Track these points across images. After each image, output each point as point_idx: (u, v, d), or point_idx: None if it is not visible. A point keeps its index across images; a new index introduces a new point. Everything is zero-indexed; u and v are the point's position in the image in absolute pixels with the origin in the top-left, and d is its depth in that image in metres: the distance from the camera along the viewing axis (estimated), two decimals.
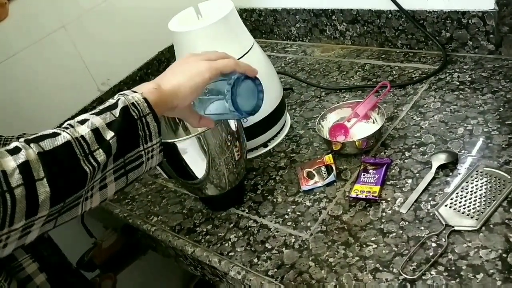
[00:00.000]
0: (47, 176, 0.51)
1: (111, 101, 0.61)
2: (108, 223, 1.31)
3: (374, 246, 0.73)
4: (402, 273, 0.67)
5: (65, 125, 0.57)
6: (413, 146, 0.88)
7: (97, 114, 0.58)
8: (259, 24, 1.47)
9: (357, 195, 0.81)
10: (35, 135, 0.55)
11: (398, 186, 0.81)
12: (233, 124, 0.81)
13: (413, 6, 1.09)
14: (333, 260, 0.73)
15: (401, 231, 0.73)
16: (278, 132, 1.03)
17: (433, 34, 1.10)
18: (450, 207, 0.74)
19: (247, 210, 0.88)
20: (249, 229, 0.84)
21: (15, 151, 0.51)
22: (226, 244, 0.83)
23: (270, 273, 0.75)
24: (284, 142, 1.02)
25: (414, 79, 1.06)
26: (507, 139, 0.82)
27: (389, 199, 0.79)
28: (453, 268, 0.65)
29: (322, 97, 1.12)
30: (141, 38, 1.31)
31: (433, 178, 0.79)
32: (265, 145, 1.02)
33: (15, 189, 0.49)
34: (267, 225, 0.84)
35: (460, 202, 0.74)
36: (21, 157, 0.51)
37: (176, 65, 0.69)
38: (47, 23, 1.14)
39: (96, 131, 0.56)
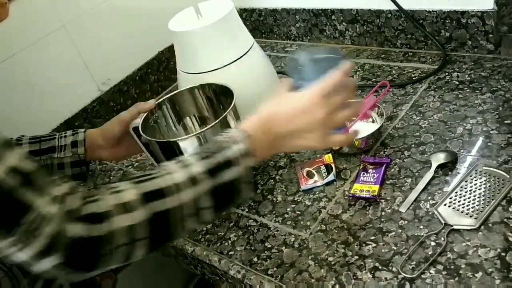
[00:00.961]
0: (150, 237, 0.54)
1: (228, 156, 0.59)
2: None
3: (374, 245, 0.73)
4: (401, 272, 0.67)
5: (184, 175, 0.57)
6: (413, 146, 0.88)
7: (211, 173, 0.58)
8: (259, 24, 1.47)
9: (357, 194, 0.81)
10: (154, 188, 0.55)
11: (397, 185, 0.81)
12: (233, 123, 0.82)
13: (413, 6, 1.10)
14: (333, 259, 0.73)
15: (400, 230, 0.73)
16: None
17: (432, 33, 1.10)
18: (449, 206, 0.74)
19: (247, 209, 0.88)
20: (249, 228, 0.84)
21: (128, 209, 0.52)
22: (226, 243, 0.83)
23: (269, 272, 0.75)
24: None
25: (414, 78, 1.06)
26: (506, 139, 0.82)
27: (388, 198, 0.80)
28: (452, 267, 0.66)
29: None
30: (141, 38, 1.31)
31: (433, 177, 0.80)
32: None
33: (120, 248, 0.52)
34: (266, 224, 0.84)
35: (459, 201, 0.74)
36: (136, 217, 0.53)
37: (301, 121, 0.63)
38: (47, 23, 1.14)
39: (197, 200, 0.57)
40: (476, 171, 0.78)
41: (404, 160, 0.86)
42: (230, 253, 0.81)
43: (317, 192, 0.86)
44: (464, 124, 0.88)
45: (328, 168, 0.88)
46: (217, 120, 0.77)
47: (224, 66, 0.91)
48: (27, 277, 0.64)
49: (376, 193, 0.80)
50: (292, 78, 0.68)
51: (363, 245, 0.74)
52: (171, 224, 0.56)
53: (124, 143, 0.90)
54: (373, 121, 0.95)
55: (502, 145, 0.81)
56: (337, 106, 0.63)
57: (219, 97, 0.90)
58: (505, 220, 0.69)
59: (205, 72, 0.92)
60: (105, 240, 0.50)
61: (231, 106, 0.79)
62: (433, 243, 0.70)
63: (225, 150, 0.59)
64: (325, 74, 0.64)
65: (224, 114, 0.78)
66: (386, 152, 0.89)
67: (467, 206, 0.73)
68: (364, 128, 0.93)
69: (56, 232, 0.47)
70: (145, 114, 0.87)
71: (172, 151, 0.79)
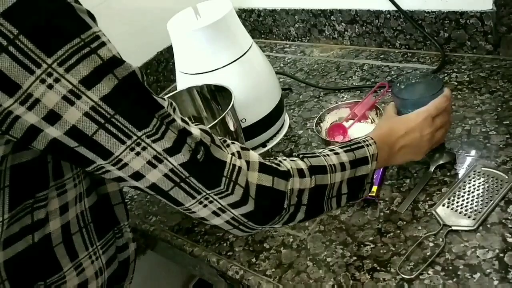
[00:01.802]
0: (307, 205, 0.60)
1: (363, 153, 0.65)
2: None
3: (372, 245, 0.73)
4: (400, 273, 0.67)
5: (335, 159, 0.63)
6: None
7: (352, 165, 0.64)
8: (258, 24, 1.47)
9: None
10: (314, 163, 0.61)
11: (396, 186, 0.81)
12: (231, 124, 0.82)
13: (412, 6, 1.10)
14: (331, 260, 0.73)
15: (398, 231, 0.73)
16: (277, 132, 1.03)
17: (431, 34, 1.10)
18: (447, 207, 0.74)
19: None
20: None
21: (302, 174, 0.58)
22: (225, 244, 0.83)
23: (268, 272, 0.75)
24: (282, 142, 1.02)
25: None
26: (504, 139, 0.82)
27: (387, 199, 0.80)
28: (450, 267, 0.66)
29: (321, 97, 1.12)
30: (140, 39, 1.31)
31: (431, 178, 0.80)
32: (263, 145, 1.02)
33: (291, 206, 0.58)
34: None
35: (457, 202, 0.74)
36: (306, 183, 0.59)
37: (412, 137, 0.72)
38: None
39: (339, 185, 0.63)
40: (474, 171, 0.78)
41: None
42: (229, 253, 0.81)
43: None
44: (463, 125, 0.88)
45: None
46: (216, 121, 0.77)
47: (223, 66, 0.91)
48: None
49: (374, 194, 0.80)
50: (395, 101, 0.80)
51: (362, 246, 0.74)
52: (324, 199, 0.62)
53: None
54: (371, 122, 0.95)
55: (501, 145, 0.81)
56: (439, 127, 0.75)
57: (217, 97, 0.90)
58: (503, 221, 0.69)
59: (203, 73, 0.92)
60: (285, 195, 0.56)
61: (230, 107, 0.79)
62: (431, 244, 0.70)
63: (362, 148, 0.66)
64: (422, 95, 0.78)
65: (223, 115, 0.78)
66: None
67: (465, 206, 0.73)
68: (363, 129, 0.93)
69: (248, 181, 0.53)
70: None
71: None
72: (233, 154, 0.54)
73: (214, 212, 0.54)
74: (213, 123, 0.77)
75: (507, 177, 0.75)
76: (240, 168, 0.53)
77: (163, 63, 1.39)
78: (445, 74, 1.04)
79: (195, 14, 0.95)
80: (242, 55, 0.93)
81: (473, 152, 0.82)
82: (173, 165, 0.49)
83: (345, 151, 0.64)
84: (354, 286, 0.68)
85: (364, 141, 0.68)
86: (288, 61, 1.34)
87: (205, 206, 0.53)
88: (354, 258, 0.72)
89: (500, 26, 0.99)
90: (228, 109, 0.79)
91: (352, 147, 0.66)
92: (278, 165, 0.57)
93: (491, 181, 0.75)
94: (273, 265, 0.76)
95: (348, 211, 0.80)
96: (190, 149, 0.50)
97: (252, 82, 0.95)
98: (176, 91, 0.94)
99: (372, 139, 0.68)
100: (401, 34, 1.16)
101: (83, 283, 0.58)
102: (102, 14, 1.25)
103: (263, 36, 1.49)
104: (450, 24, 1.06)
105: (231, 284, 0.82)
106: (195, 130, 0.52)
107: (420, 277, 0.66)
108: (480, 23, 1.01)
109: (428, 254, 0.68)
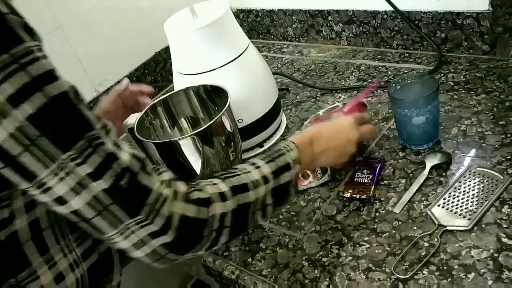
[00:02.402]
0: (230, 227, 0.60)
1: (285, 160, 0.68)
2: None
3: (367, 245, 0.73)
4: (395, 273, 0.67)
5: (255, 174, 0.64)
6: (407, 146, 0.88)
7: (274, 174, 0.66)
8: (255, 24, 1.47)
9: (351, 195, 0.81)
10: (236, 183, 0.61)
11: (391, 186, 0.81)
12: (228, 124, 0.82)
13: (408, 6, 1.10)
14: (327, 260, 0.73)
15: (394, 231, 0.74)
16: (274, 133, 1.03)
17: (428, 34, 1.10)
18: (443, 207, 0.74)
19: None
20: None
21: (223, 198, 0.59)
22: None
23: (264, 272, 0.75)
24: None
25: None
26: (500, 140, 0.82)
27: (382, 199, 0.80)
28: (445, 267, 0.66)
29: (318, 98, 1.12)
30: (138, 39, 1.32)
31: (427, 178, 0.80)
32: (260, 145, 1.02)
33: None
34: (261, 225, 0.84)
35: (453, 202, 0.74)
36: (229, 206, 0.59)
37: (338, 140, 0.78)
38: (44, 23, 1.14)
39: (263, 199, 0.64)
40: (470, 172, 0.78)
41: (399, 161, 0.86)
42: (225, 253, 0.81)
43: (312, 193, 0.86)
44: (459, 125, 0.88)
45: (323, 169, 0.88)
46: (212, 121, 0.78)
47: (220, 67, 0.91)
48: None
49: (370, 194, 0.80)
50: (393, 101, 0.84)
51: (357, 246, 0.74)
52: (248, 216, 0.62)
53: (122, 116, 0.92)
54: None
55: (496, 146, 0.81)
56: (363, 134, 0.81)
57: (214, 98, 0.90)
58: (498, 221, 0.69)
59: (200, 73, 0.92)
60: (207, 223, 0.56)
61: (226, 107, 0.80)
62: (426, 244, 0.70)
63: (283, 156, 0.68)
64: (418, 95, 0.82)
65: (219, 115, 0.78)
66: (381, 153, 0.89)
67: (460, 207, 0.73)
68: None
69: (171, 212, 0.53)
70: (140, 115, 0.86)
71: (167, 151, 0.80)
72: (162, 182, 0.54)
73: (135, 244, 0.53)
74: (209, 123, 0.77)
75: (502, 177, 0.75)
76: (166, 197, 0.53)
77: (160, 64, 1.39)
78: (442, 75, 1.04)
79: (192, 14, 0.95)
80: (239, 56, 0.93)
81: (468, 152, 0.82)
82: (96, 191, 0.48)
83: (267, 162, 0.66)
84: (349, 286, 0.69)
85: (285, 147, 0.70)
86: (286, 61, 1.34)
87: (126, 236, 0.52)
88: (350, 258, 0.72)
89: (496, 26, 0.99)
90: (224, 110, 0.79)
91: (273, 156, 0.67)
92: (201, 190, 0.57)
93: (486, 181, 0.75)
94: (269, 265, 0.76)
95: (344, 211, 0.80)
96: (115, 174, 0.49)
97: (249, 82, 0.95)
98: (172, 91, 0.94)
99: (294, 143, 0.71)
100: (398, 34, 1.16)
101: (58, 277, 0.57)
102: (100, 15, 1.25)
103: (261, 36, 1.49)
104: (446, 24, 1.06)
105: (226, 285, 0.82)
106: (125, 155, 0.51)
107: (415, 277, 0.66)
108: (476, 23, 1.01)
109: (423, 254, 0.69)
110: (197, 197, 0.56)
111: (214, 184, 0.60)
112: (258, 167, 0.65)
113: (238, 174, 0.62)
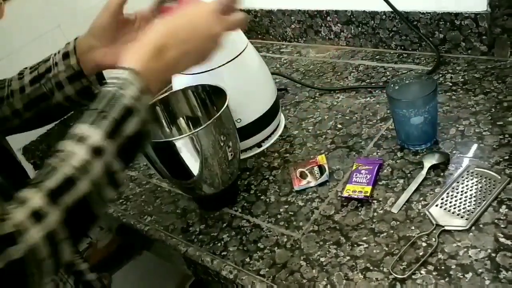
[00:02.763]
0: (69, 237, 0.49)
1: (123, 105, 0.53)
2: (103, 223, 1.32)
3: (365, 245, 0.73)
4: (392, 273, 0.67)
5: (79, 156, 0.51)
6: (405, 146, 0.88)
7: (111, 135, 0.52)
8: (254, 25, 1.47)
9: (349, 195, 0.81)
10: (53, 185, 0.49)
11: (389, 186, 0.81)
12: (226, 124, 0.82)
13: (407, 7, 1.10)
14: (325, 260, 0.73)
15: (392, 231, 0.74)
16: (272, 133, 1.03)
17: (426, 35, 1.10)
18: (440, 207, 0.74)
19: (240, 210, 0.89)
20: (242, 228, 0.85)
21: (39, 216, 0.47)
22: (219, 244, 0.83)
23: (262, 272, 0.75)
24: (278, 143, 1.03)
25: None
26: (498, 140, 0.82)
27: (380, 199, 0.80)
28: (443, 267, 0.66)
29: (317, 98, 1.13)
30: None
31: (425, 178, 0.80)
32: (259, 145, 1.02)
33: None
34: (259, 225, 0.84)
35: (450, 202, 0.74)
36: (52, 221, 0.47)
37: (197, 40, 0.60)
38: (43, 22, 1.14)
39: (108, 164, 0.52)
40: (468, 172, 0.78)
41: (397, 161, 0.86)
42: (222, 253, 0.81)
43: (310, 193, 0.86)
44: (457, 125, 0.89)
45: (321, 169, 0.88)
46: (210, 121, 0.78)
47: (218, 67, 0.91)
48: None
49: (368, 194, 0.80)
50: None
51: (355, 245, 0.74)
52: (92, 206, 0.51)
53: (122, 38, 0.78)
54: None
55: (494, 146, 0.81)
56: (229, 25, 0.64)
57: (212, 98, 0.90)
58: (495, 221, 0.69)
59: (198, 73, 0.92)
60: (26, 261, 0.45)
61: (224, 107, 0.80)
62: (424, 244, 0.70)
63: (118, 101, 0.53)
64: (416, 96, 0.81)
65: (217, 115, 0.78)
66: (379, 153, 0.89)
67: (458, 207, 0.73)
68: None
69: None
70: None
71: (165, 151, 0.79)
72: None
73: None
74: (207, 123, 0.77)
75: (500, 177, 0.75)
76: None
77: None
78: (440, 75, 1.04)
79: None
80: (238, 55, 0.93)
81: (466, 153, 0.82)
82: None
83: (97, 123, 0.52)
84: (347, 286, 0.69)
85: (123, 85, 0.54)
86: (285, 61, 1.34)
87: None
88: (348, 258, 0.72)
89: (494, 27, 0.99)
90: (222, 109, 0.79)
91: (105, 108, 0.53)
92: (5, 221, 0.45)
93: (484, 181, 0.75)
94: (267, 265, 0.76)
95: (342, 211, 0.80)
96: None
97: (247, 82, 0.95)
98: (171, 91, 0.94)
99: (134, 69, 0.55)
100: (396, 35, 1.16)
101: None
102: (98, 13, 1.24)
103: (259, 36, 1.50)
104: (445, 25, 1.06)
105: (224, 284, 0.83)
106: None
107: (413, 276, 0.66)
108: (474, 24, 1.01)
109: (421, 254, 0.69)
110: (3, 235, 0.44)
111: (24, 201, 0.47)
112: (84, 139, 0.51)
113: (54, 170, 0.49)
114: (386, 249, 0.71)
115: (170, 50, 0.58)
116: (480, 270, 0.64)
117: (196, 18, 0.61)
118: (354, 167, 0.86)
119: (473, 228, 0.69)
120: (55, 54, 0.81)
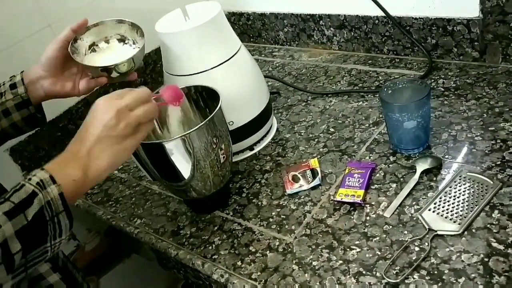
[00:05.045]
0: None
1: (26, 191, 0.54)
2: (91, 226, 1.30)
3: (358, 250, 0.73)
4: (385, 277, 0.67)
5: None
6: (398, 151, 0.88)
7: (9, 215, 0.52)
8: (247, 28, 1.47)
9: (342, 198, 0.81)
10: None
11: (382, 190, 0.81)
12: (219, 126, 0.81)
13: (400, 12, 1.10)
14: (317, 264, 0.73)
15: (384, 235, 0.73)
16: (264, 136, 1.03)
17: (419, 40, 1.11)
18: (433, 211, 0.74)
19: (231, 213, 0.88)
20: (233, 232, 0.84)
21: None
22: (210, 247, 0.82)
23: (253, 276, 0.75)
24: (270, 146, 1.02)
25: None
26: (490, 145, 0.82)
27: (373, 203, 0.80)
28: (436, 272, 0.66)
29: (309, 101, 1.12)
30: None
31: (417, 183, 0.80)
32: (251, 148, 1.01)
33: None
34: (251, 228, 0.83)
35: (443, 207, 0.74)
36: None
37: (100, 132, 0.61)
38: (32, 22, 1.13)
39: (4, 245, 0.51)
40: (460, 177, 0.78)
41: (390, 165, 0.86)
42: (214, 257, 0.80)
43: (302, 196, 0.86)
44: (449, 130, 0.89)
45: (314, 173, 0.88)
46: (203, 123, 0.77)
47: (211, 68, 0.91)
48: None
49: (361, 198, 0.79)
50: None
51: (348, 249, 0.73)
52: None
53: (69, 71, 0.83)
54: (133, 43, 0.88)
55: (486, 151, 0.82)
56: (126, 106, 0.64)
57: (205, 99, 0.90)
58: (488, 225, 0.69)
59: (191, 74, 0.91)
60: None
61: (217, 109, 0.79)
62: (417, 248, 0.70)
63: (22, 187, 0.55)
64: (409, 100, 0.82)
65: (210, 117, 0.78)
66: (371, 157, 0.89)
67: (451, 211, 0.73)
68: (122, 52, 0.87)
69: None
70: None
71: (157, 153, 0.78)
72: None
73: None
74: (199, 125, 0.77)
75: (492, 182, 0.75)
76: None
77: (151, 65, 1.38)
78: (432, 80, 1.05)
79: (184, 15, 0.95)
80: (231, 58, 0.92)
81: (459, 158, 0.82)
82: None
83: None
84: None
85: (27, 177, 0.56)
86: (277, 65, 1.34)
87: None
88: (340, 262, 0.72)
89: (486, 33, 1.00)
90: (215, 112, 0.78)
91: (6, 195, 0.54)
92: None
93: (477, 186, 0.75)
94: (259, 269, 0.75)
95: (334, 215, 0.80)
96: None
97: (240, 84, 0.95)
98: None
99: (48, 174, 0.56)
100: (389, 39, 1.17)
101: None
102: (89, 14, 1.24)
103: (252, 40, 1.49)
104: (437, 30, 1.06)
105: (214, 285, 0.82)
106: None
107: (406, 281, 0.66)
108: (466, 30, 1.02)
109: (413, 258, 0.68)
110: None
111: None
112: None
113: None
114: (379, 253, 0.71)
115: (84, 141, 0.61)
116: (473, 275, 0.64)
117: (92, 113, 0.63)
118: (346, 171, 0.86)
119: (465, 233, 0.69)
120: (0, 85, 0.84)
